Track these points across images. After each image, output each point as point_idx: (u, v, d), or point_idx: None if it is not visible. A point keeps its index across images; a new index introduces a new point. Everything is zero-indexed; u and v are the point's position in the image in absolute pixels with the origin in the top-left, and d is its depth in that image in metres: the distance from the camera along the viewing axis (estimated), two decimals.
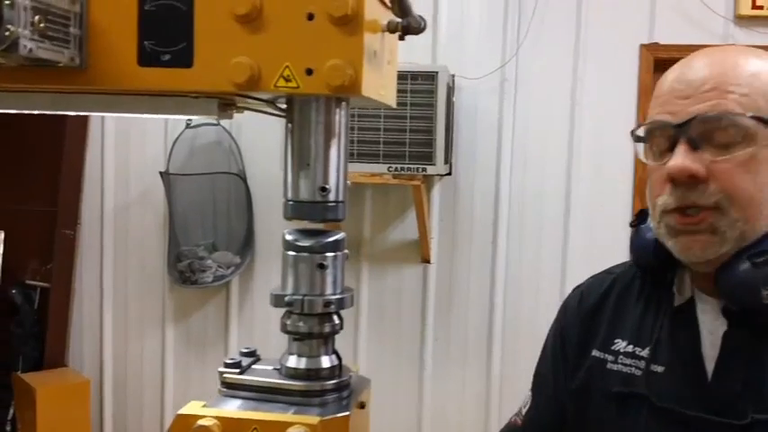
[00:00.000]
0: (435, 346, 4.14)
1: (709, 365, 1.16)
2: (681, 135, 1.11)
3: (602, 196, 3.93)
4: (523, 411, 1.48)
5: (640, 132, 1.20)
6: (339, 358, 1.15)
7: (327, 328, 1.13)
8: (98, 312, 4.43)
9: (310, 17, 0.97)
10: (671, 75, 1.19)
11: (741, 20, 3.81)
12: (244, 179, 4.08)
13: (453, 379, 4.13)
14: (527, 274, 4.04)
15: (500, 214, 4.03)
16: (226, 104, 1.08)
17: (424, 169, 3.64)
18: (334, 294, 1.12)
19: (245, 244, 4.14)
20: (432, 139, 3.62)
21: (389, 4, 1.08)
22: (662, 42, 3.85)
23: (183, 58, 0.99)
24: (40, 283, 4.33)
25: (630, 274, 1.36)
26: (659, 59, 3.84)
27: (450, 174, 3.95)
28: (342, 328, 1.15)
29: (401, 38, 1.15)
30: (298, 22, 0.97)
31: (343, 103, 1.10)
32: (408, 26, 1.07)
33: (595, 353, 1.29)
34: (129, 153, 4.32)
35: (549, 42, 3.94)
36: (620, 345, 1.25)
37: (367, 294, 4.16)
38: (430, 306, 4.13)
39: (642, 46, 3.88)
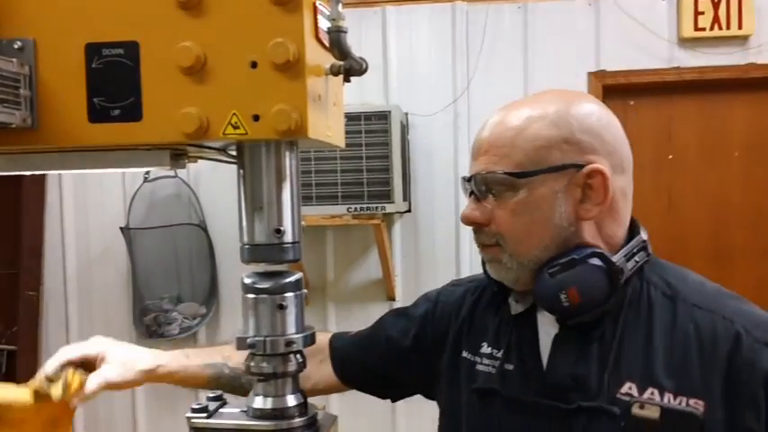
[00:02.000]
0: None
1: (546, 362, 1.33)
2: (469, 189, 1.35)
3: None
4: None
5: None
6: (304, 396, 1.17)
7: (291, 367, 1.15)
8: None
9: (254, 65, 1.00)
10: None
11: (684, 42, 3.92)
12: (205, 229, 4.08)
13: (426, 417, 4.10)
14: None
15: (461, 247, 4.06)
16: (178, 154, 1.10)
17: (383, 208, 3.66)
18: (296, 333, 1.14)
19: (210, 294, 4.13)
20: (389, 178, 3.65)
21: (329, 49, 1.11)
22: (609, 69, 3.94)
23: (133, 113, 1.02)
24: (7, 347, 4.26)
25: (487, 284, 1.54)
26: (607, 86, 3.93)
27: (409, 210, 4.00)
28: (305, 366, 1.17)
29: (347, 80, 1.18)
30: (242, 71, 1.00)
31: (293, 146, 1.13)
32: (350, 68, 1.10)
33: (465, 354, 1.45)
34: (89, 210, 4.30)
35: (499, 75, 4.01)
36: (485, 348, 1.42)
37: None
38: None
39: (590, 74, 3.97)
